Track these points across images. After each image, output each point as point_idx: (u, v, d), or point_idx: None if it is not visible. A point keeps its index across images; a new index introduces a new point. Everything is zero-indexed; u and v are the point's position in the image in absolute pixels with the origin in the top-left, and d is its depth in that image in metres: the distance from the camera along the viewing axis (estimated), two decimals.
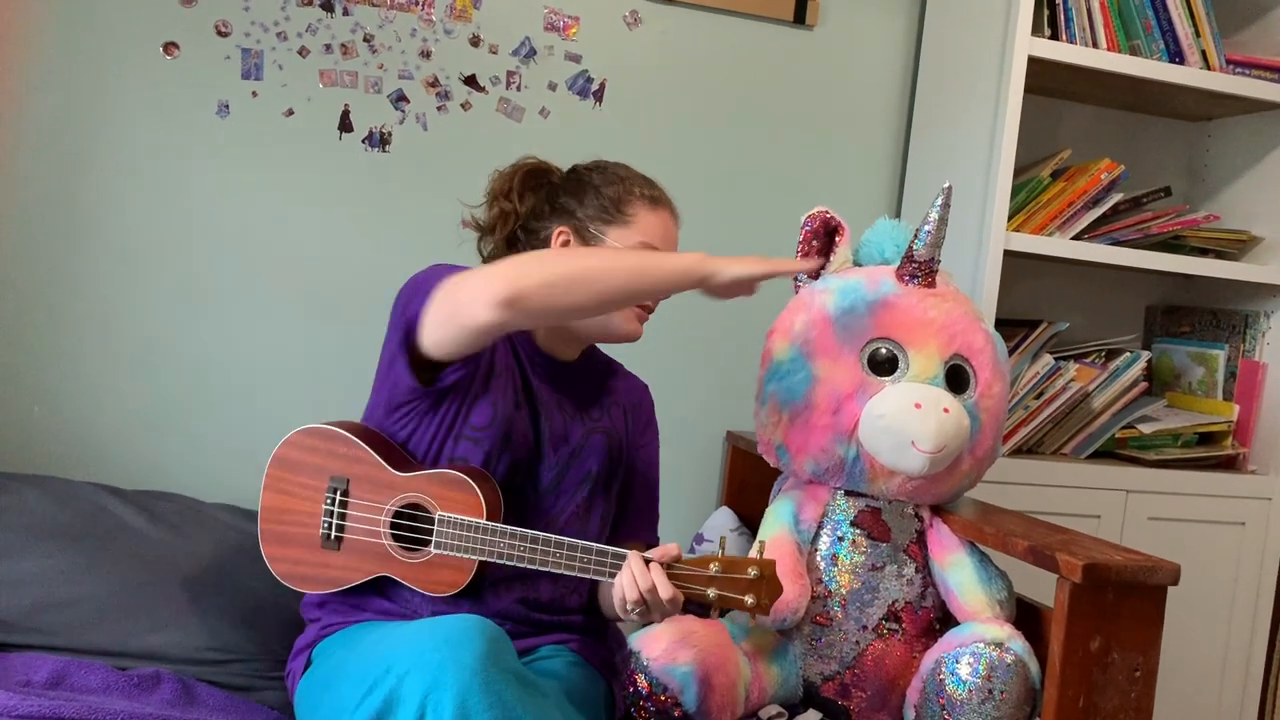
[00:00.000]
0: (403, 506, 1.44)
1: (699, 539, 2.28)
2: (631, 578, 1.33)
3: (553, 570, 1.38)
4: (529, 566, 1.39)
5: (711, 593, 1.33)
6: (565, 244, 1.55)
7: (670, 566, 1.34)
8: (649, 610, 1.34)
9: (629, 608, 1.34)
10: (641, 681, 1.49)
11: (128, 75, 2.09)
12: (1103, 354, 2.39)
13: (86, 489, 1.80)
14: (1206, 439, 2.38)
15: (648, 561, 1.34)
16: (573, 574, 1.38)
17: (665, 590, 1.32)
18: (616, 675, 1.54)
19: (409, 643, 1.19)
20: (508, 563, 1.39)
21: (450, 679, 1.13)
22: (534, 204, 1.61)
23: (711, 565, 1.34)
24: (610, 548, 1.37)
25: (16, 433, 2.08)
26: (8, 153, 2.05)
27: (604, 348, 1.71)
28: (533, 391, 1.55)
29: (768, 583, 1.34)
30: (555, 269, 1.38)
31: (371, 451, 1.45)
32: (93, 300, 2.11)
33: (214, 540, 1.72)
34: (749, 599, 1.33)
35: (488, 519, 1.40)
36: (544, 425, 1.54)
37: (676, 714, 1.47)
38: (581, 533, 1.55)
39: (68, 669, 1.48)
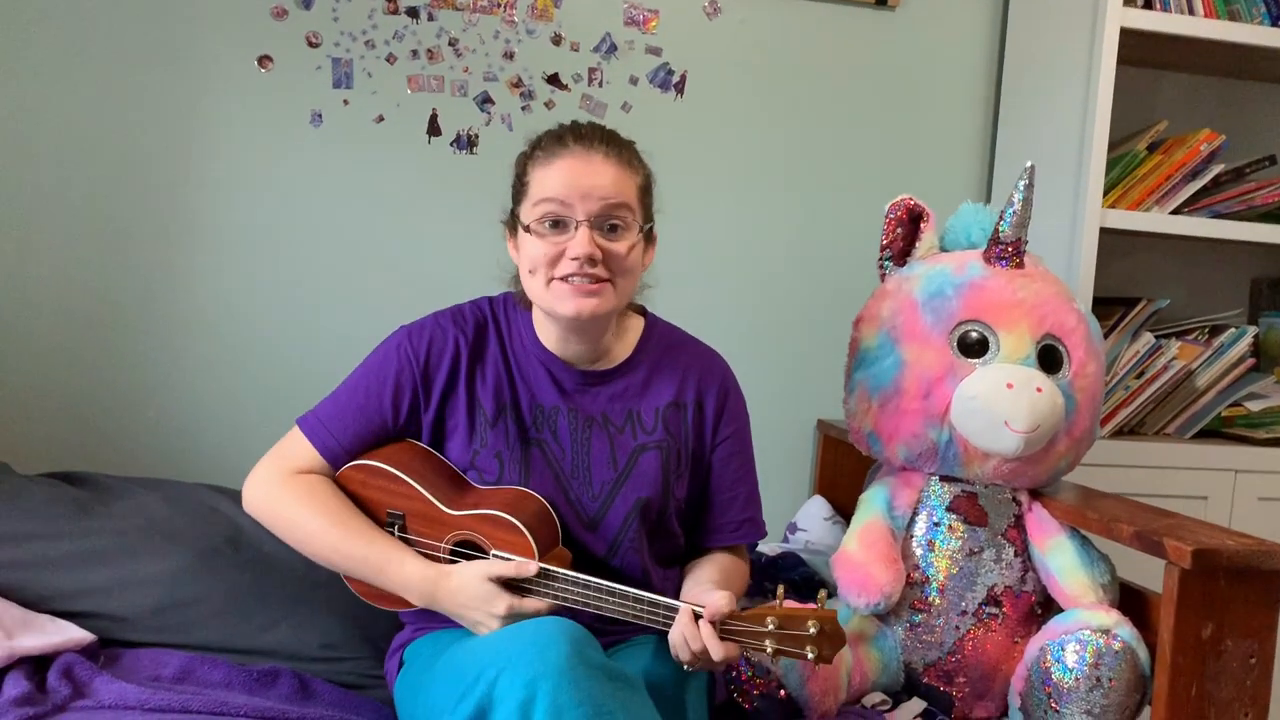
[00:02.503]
0: (457, 543, 1.42)
1: (793, 528, 2.28)
2: (683, 640, 1.28)
3: (607, 615, 1.34)
4: (582, 609, 1.34)
5: (769, 647, 1.26)
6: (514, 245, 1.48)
7: (724, 623, 1.28)
8: (705, 665, 1.30)
9: (684, 665, 1.31)
10: (743, 666, 1.50)
11: (226, 89, 2.17)
12: (1206, 330, 2.31)
13: (199, 490, 1.87)
14: None
15: (699, 618, 1.27)
16: (626, 620, 1.33)
17: (717, 652, 1.26)
18: None
19: (497, 648, 1.21)
20: (562, 604, 1.35)
21: (540, 681, 1.13)
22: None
23: (769, 620, 1.26)
24: (664, 600, 1.31)
25: (132, 436, 2.18)
26: (115, 168, 2.14)
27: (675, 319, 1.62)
28: (551, 421, 1.47)
29: (829, 635, 1.26)
30: (282, 516, 1.45)
31: (420, 488, 1.42)
32: (201, 306, 2.20)
33: None
34: (809, 652, 1.25)
35: (541, 555, 1.36)
36: (574, 454, 1.47)
37: (780, 698, 1.48)
38: (640, 563, 1.47)
39: (193, 664, 1.54)
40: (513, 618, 1.32)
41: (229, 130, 2.18)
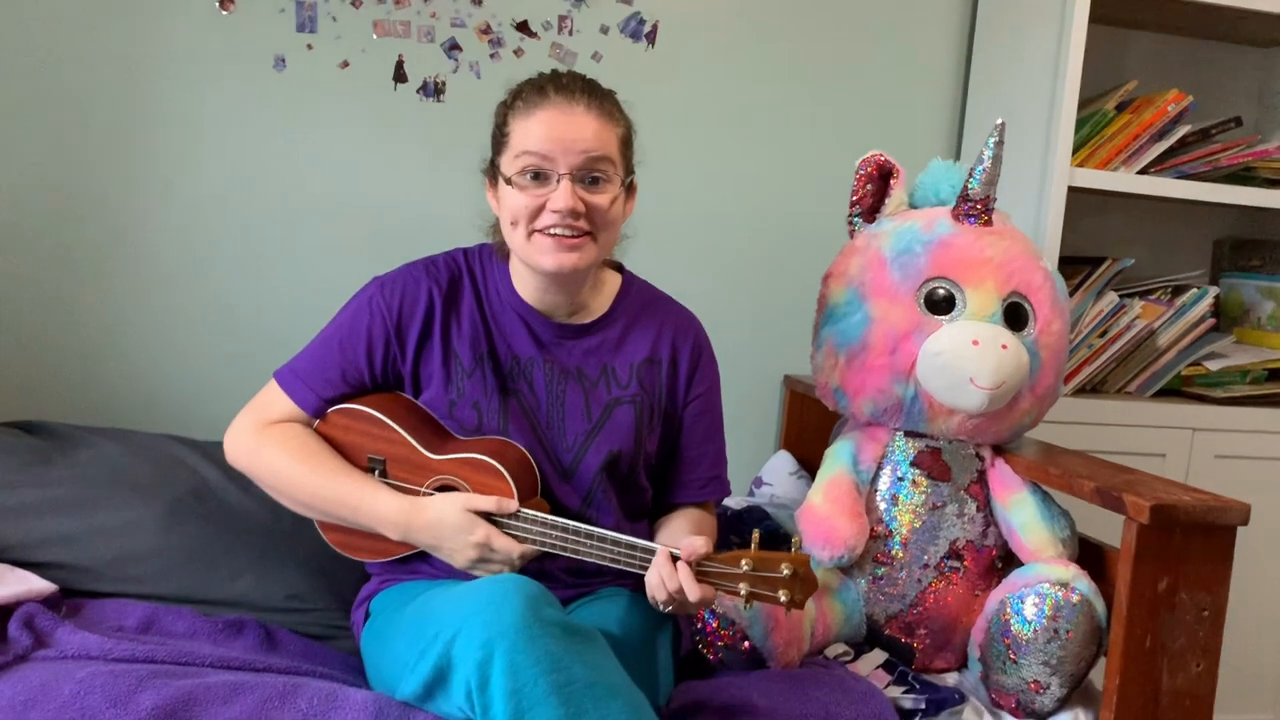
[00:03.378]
0: (438, 488, 1.43)
1: (758, 483, 2.30)
2: (660, 580, 1.30)
3: (583, 559, 1.36)
4: (559, 554, 1.37)
5: (743, 589, 1.28)
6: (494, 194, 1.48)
7: (700, 564, 1.30)
8: (681, 606, 1.32)
9: (660, 605, 1.33)
10: (709, 617, 1.51)
11: (186, 30, 2.12)
12: (1169, 290, 2.34)
13: (163, 441, 1.85)
14: (1277, 375, 2.34)
15: (676, 559, 1.30)
16: (604, 564, 1.36)
17: (693, 592, 1.28)
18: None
19: (455, 608, 1.22)
20: (539, 549, 1.37)
21: (496, 641, 1.15)
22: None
23: (743, 562, 1.29)
24: (641, 542, 1.34)
25: (94, 388, 2.15)
26: (71, 114, 2.09)
27: (652, 277, 1.63)
28: (527, 372, 1.48)
29: (801, 580, 1.28)
30: (261, 463, 1.46)
31: (403, 432, 1.43)
32: (160, 256, 2.16)
33: None
34: (782, 596, 1.27)
35: (520, 500, 1.38)
36: (549, 406, 1.48)
37: (744, 648, 1.50)
38: (614, 512, 1.50)
39: (156, 614, 1.53)
40: (487, 549, 1.34)
41: (188, 73, 2.13)
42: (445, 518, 1.36)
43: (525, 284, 1.49)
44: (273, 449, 1.45)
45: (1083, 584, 1.49)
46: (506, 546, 1.35)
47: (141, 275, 2.15)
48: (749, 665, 1.52)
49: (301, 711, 1.25)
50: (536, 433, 1.47)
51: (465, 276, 1.51)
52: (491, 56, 2.24)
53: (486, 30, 2.23)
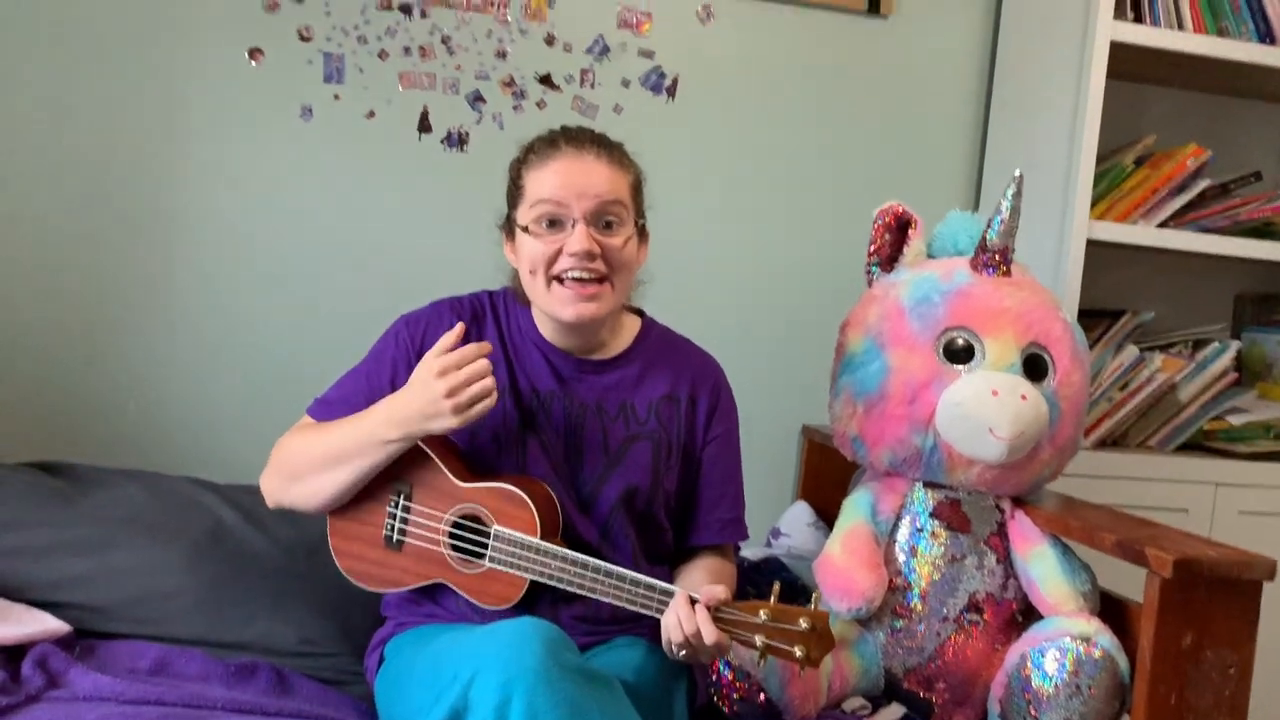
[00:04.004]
0: (461, 517, 1.44)
1: (776, 533, 2.28)
2: (676, 621, 1.29)
3: (600, 598, 1.36)
4: (577, 591, 1.37)
5: (759, 640, 1.27)
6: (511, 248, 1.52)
7: (717, 610, 1.29)
8: (695, 653, 1.31)
9: (674, 650, 1.32)
10: (724, 669, 1.50)
11: (216, 81, 2.16)
12: (1190, 344, 2.33)
13: (181, 483, 1.86)
14: None
15: (694, 602, 1.29)
16: (620, 604, 1.35)
17: (710, 636, 1.27)
18: (698, 664, 1.54)
19: (472, 651, 1.21)
20: (558, 585, 1.37)
21: (515, 683, 1.14)
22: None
23: (761, 613, 1.27)
24: (659, 583, 1.33)
25: (115, 428, 2.16)
26: (103, 158, 2.13)
27: (670, 322, 1.65)
28: (546, 406, 1.49)
29: (819, 636, 1.26)
30: (286, 462, 1.47)
31: (435, 458, 1.45)
32: (186, 299, 2.18)
33: (303, 534, 1.76)
34: (798, 651, 1.25)
35: (542, 537, 1.38)
36: (567, 440, 1.49)
37: (759, 701, 1.48)
38: (631, 550, 1.50)
39: (169, 656, 1.53)
40: (451, 371, 1.33)
41: (218, 122, 2.17)
42: (412, 380, 1.37)
43: (546, 326, 1.52)
44: (290, 444, 1.49)
45: (1105, 639, 1.47)
46: (463, 354, 1.34)
47: (167, 318, 2.18)
48: (764, 718, 1.50)
49: None
50: (554, 466, 1.48)
51: (489, 313, 1.55)
52: (514, 108, 2.27)
53: (510, 83, 2.27)
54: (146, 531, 1.69)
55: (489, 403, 1.35)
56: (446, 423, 1.35)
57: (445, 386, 1.33)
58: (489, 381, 1.35)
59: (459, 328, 1.38)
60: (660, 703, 1.39)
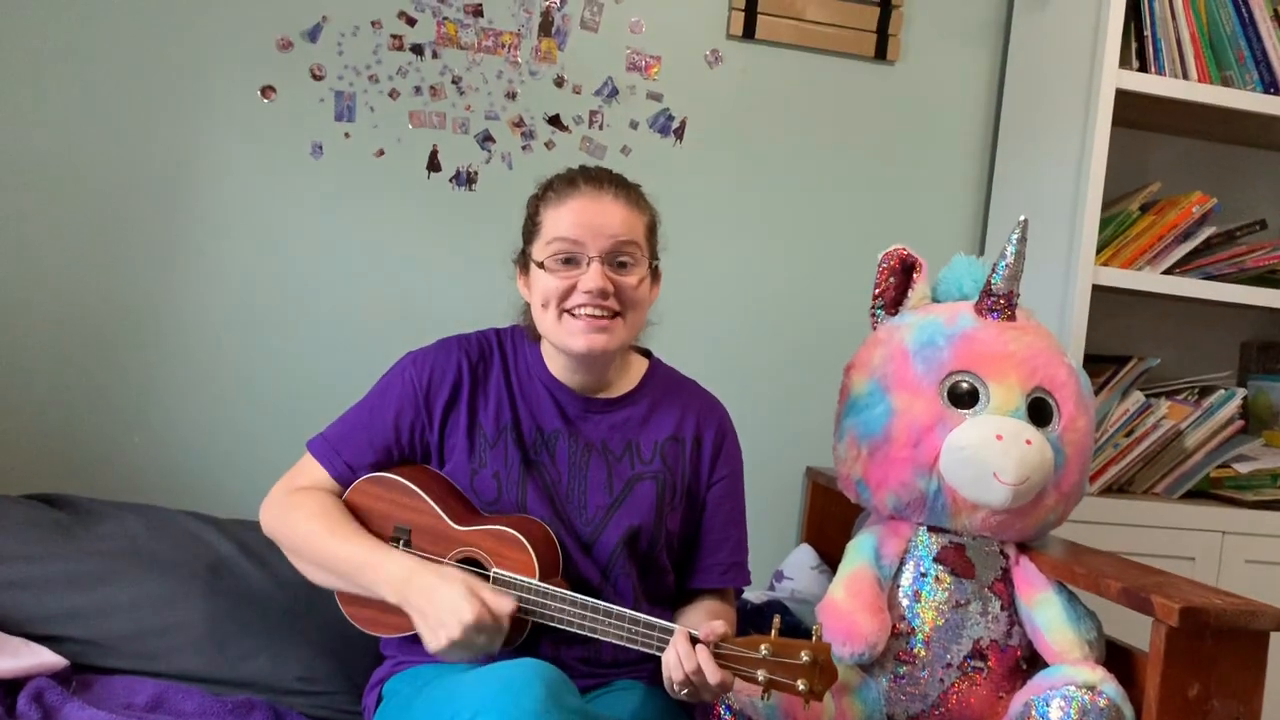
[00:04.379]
0: (460, 560, 1.43)
1: (779, 576, 2.27)
2: (677, 659, 1.28)
3: (601, 639, 1.36)
4: (578, 632, 1.36)
5: (761, 675, 1.26)
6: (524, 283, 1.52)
7: (718, 647, 1.28)
8: (697, 691, 1.30)
9: (676, 689, 1.31)
10: (725, 713, 1.48)
11: (228, 117, 2.19)
12: (1196, 391, 2.32)
13: (183, 518, 1.85)
14: None
15: (695, 641, 1.28)
16: (621, 643, 1.35)
17: (712, 675, 1.26)
18: (698, 707, 1.52)
19: (472, 692, 1.20)
20: (559, 627, 1.37)
21: None
22: None
23: (762, 647, 1.26)
24: (659, 622, 1.33)
25: (118, 462, 2.16)
26: (114, 190, 2.15)
27: (679, 365, 1.65)
28: (550, 445, 1.49)
29: (822, 669, 1.25)
30: (286, 524, 1.47)
31: (431, 502, 1.44)
32: (191, 334, 2.19)
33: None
34: (801, 684, 1.24)
35: (541, 578, 1.38)
36: (570, 478, 1.49)
37: None
38: (632, 592, 1.49)
39: (166, 693, 1.52)
40: (472, 632, 1.28)
41: (229, 158, 2.19)
42: (446, 583, 1.32)
43: (555, 363, 1.52)
44: (298, 511, 1.47)
45: (1110, 688, 1.45)
46: (500, 607, 1.31)
47: (170, 352, 2.19)
48: None
49: None
50: (555, 505, 1.47)
51: (495, 352, 1.55)
52: (523, 148, 2.29)
53: (519, 123, 2.29)
54: (146, 565, 1.68)
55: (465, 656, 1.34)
56: (430, 642, 1.31)
57: (457, 637, 1.28)
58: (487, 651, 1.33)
59: (508, 618, 1.33)
60: None
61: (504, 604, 1.32)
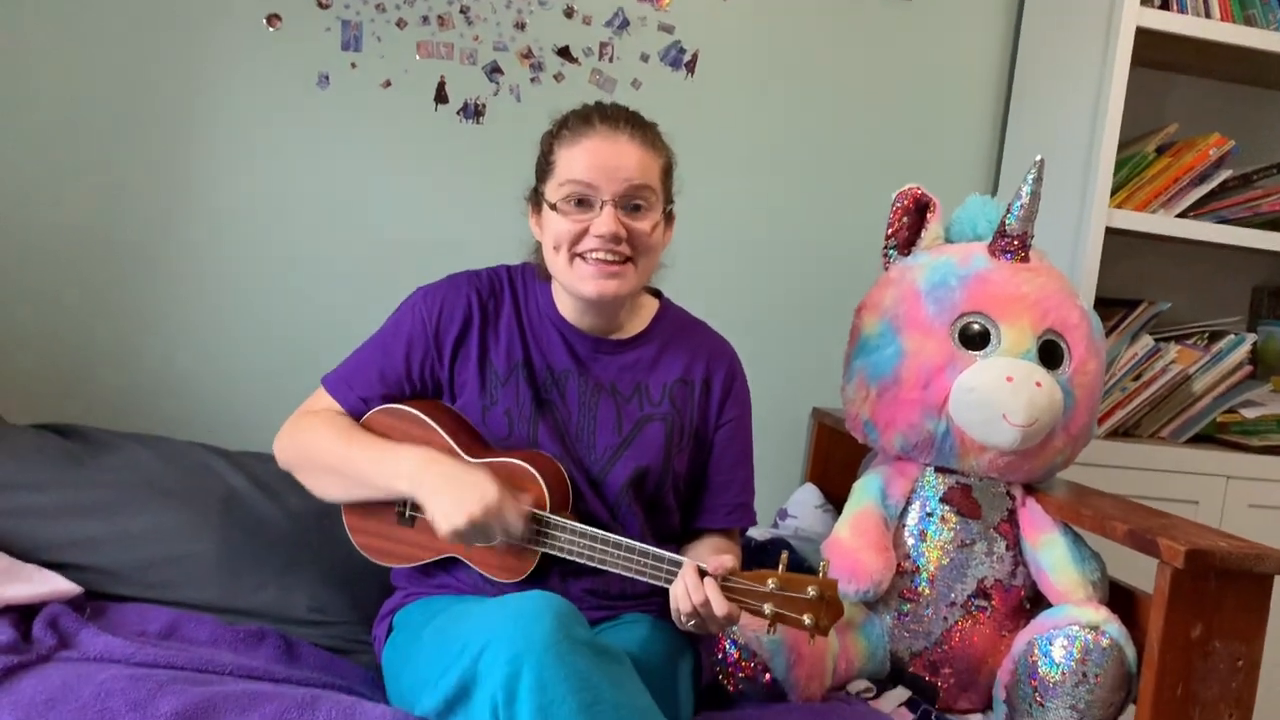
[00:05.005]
0: None
1: (783, 515, 2.28)
2: (685, 591, 1.29)
3: (610, 570, 1.37)
4: (587, 564, 1.37)
5: (767, 609, 1.27)
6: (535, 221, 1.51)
7: (726, 580, 1.29)
8: (704, 623, 1.31)
9: (683, 620, 1.32)
10: (730, 648, 1.50)
11: (232, 46, 2.15)
12: (1206, 336, 2.31)
13: (193, 449, 1.85)
14: None
15: (704, 574, 1.29)
16: (630, 576, 1.36)
17: (719, 607, 1.27)
18: (704, 641, 1.55)
19: (482, 623, 1.21)
20: (568, 558, 1.38)
21: (525, 656, 1.14)
22: None
23: (769, 581, 1.27)
24: (667, 554, 1.34)
25: (127, 394, 2.16)
26: (116, 120, 2.12)
27: (690, 305, 1.64)
28: (561, 384, 1.49)
29: (828, 604, 1.26)
30: (301, 449, 1.49)
31: (443, 434, 1.44)
32: (198, 265, 2.18)
33: (313, 503, 1.76)
34: (807, 619, 1.25)
35: (551, 511, 1.39)
36: (580, 418, 1.49)
37: (764, 681, 1.48)
38: (639, 529, 1.49)
39: (179, 621, 1.53)
40: (494, 515, 1.31)
41: (234, 87, 2.16)
42: (468, 469, 1.35)
43: (565, 304, 1.51)
44: (310, 429, 1.49)
45: (1113, 628, 1.47)
46: (515, 521, 1.33)
47: (180, 285, 2.18)
48: (769, 698, 1.50)
49: None
50: (566, 444, 1.48)
51: (506, 288, 1.54)
52: (532, 80, 2.26)
53: (528, 54, 2.25)
54: (158, 496, 1.69)
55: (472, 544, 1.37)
56: (447, 519, 1.33)
57: (466, 525, 1.31)
58: (498, 536, 1.35)
59: (524, 521, 1.36)
60: (666, 678, 1.39)
61: (524, 498, 1.35)
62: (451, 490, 1.33)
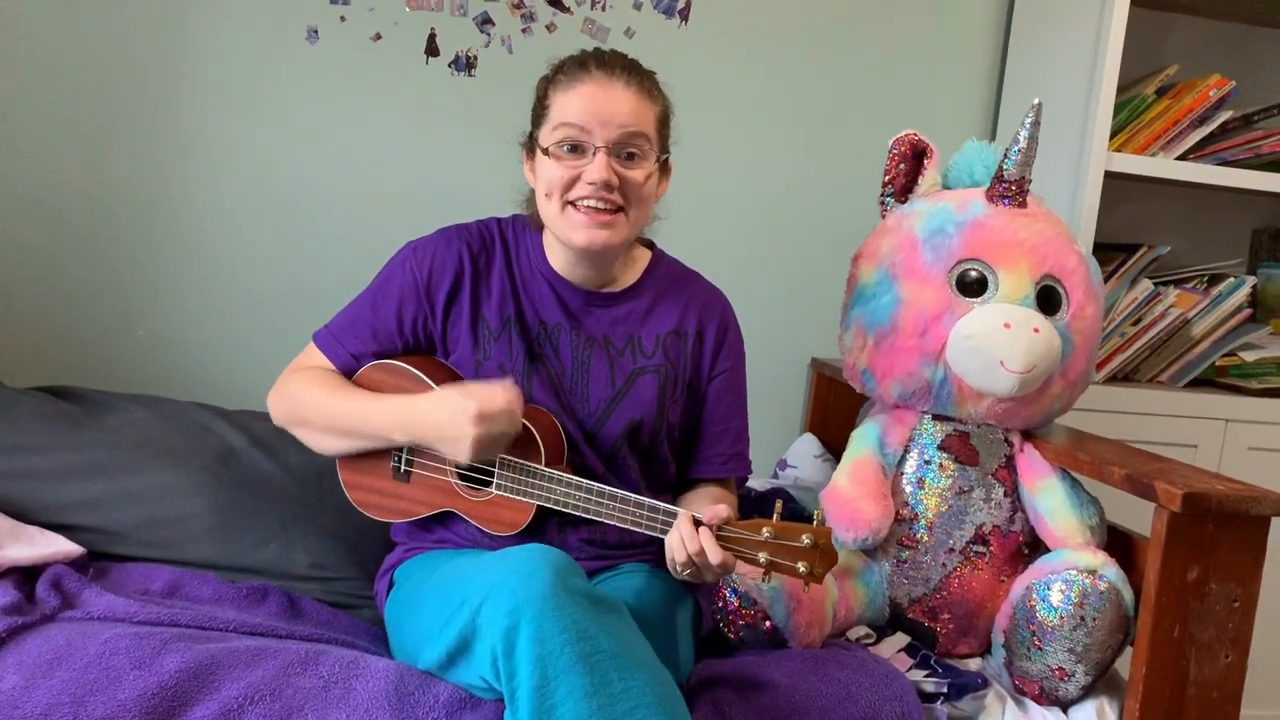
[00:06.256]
0: None
1: (782, 465, 2.29)
2: (680, 540, 1.30)
3: (605, 521, 1.37)
4: (583, 515, 1.38)
5: (762, 558, 1.28)
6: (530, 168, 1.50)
7: (721, 529, 1.30)
8: (700, 572, 1.32)
9: (678, 569, 1.33)
10: (730, 596, 1.51)
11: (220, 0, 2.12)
12: (1205, 279, 2.30)
13: (191, 409, 1.86)
14: None
15: (699, 524, 1.31)
16: (624, 527, 1.37)
17: (714, 555, 1.28)
18: (704, 590, 1.56)
19: (481, 577, 1.22)
20: (563, 510, 1.39)
21: (524, 608, 1.15)
22: None
23: (764, 530, 1.28)
24: (662, 504, 1.34)
25: (124, 354, 2.16)
26: (106, 76, 2.10)
27: (683, 256, 1.63)
28: (554, 338, 1.49)
29: (822, 552, 1.27)
30: (294, 406, 1.48)
31: (438, 389, 1.44)
32: (193, 222, 2.17)
33: (312, 460, 1.76)
34: (801, 567, 1.26)
35: (546, 464, 1.39)
36: (573, 371, 1.49)
37: (765, 628, 1.49)
38: (635, 481, 1.50)
39: (182, 579, 1.54)
40: (485, 419, 1.33)
41: (222, 41, 2.13)
42: (438, 400, 1.37)
43: (556, 255, 1.50)
44: (300, 385, 1.49)
45: (1110, 571, 1.48)
46: (504, 401, 1.34)
47: (174, 244, 2.17)
48: (770, 645, 1.51)
49: (323, 678, 1.26)
50: (560, 398, 1.48)
51: (497, 242, 1.53)
52: (523, 31, 2.23)
53: (519, 5, 2.22)
54: (157, 456, 1.69)
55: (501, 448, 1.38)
56: (457, 457, 1.36)
57: (476, 434, 1.32)
58: (512, 434, 1.36)
59: (514, 392, 1.36)
60: (665, 627, 1.39)
61: (498, 387, 1.35)
62: (442, 428, 1.35)
